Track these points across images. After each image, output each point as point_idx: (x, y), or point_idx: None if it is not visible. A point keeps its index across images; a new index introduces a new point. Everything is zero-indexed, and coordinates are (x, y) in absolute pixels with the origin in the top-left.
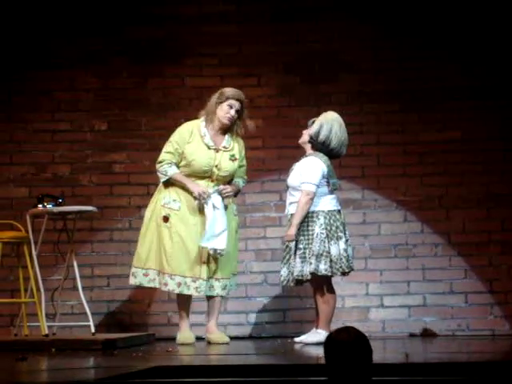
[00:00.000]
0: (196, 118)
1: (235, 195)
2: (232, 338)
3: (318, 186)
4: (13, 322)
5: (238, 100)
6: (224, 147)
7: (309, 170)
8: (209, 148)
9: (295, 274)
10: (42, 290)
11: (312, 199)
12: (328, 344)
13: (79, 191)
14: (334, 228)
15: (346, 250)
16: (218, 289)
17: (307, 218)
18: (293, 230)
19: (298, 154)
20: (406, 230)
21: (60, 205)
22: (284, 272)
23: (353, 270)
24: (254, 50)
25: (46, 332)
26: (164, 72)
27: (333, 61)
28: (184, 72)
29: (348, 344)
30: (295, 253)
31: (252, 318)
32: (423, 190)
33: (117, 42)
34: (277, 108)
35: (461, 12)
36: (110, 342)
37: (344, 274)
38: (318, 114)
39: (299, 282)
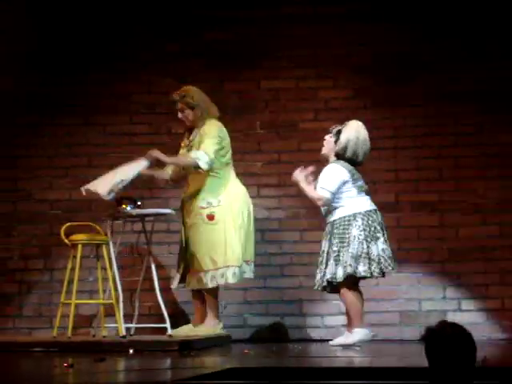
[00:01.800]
0: (271, 120)
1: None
2: (309, 341)
3: (334, 194)
4: (91, 323)
5: (174, 102)
6: (190, 141)
7: (326, 177)
8: (182, 148)
9: (327, 276)
10: (120, 291)
11: (322, 205)
12: (430, 338)
13: (157, 193)
14: (372, 229)
15: (384, 250)
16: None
17: (343, 222)
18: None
19: (374, 155)
20: (485, 233)
21: (138, 207)
22: (318, 276)
23: (393, 269)
24: (330, 52)
25: (124, 333)
26: (240, 75)
27: (409, 62)
28: (260, 75)
29: (451, 339)
30: (329, 256)
31: (328, 320)
32: (502, 192)
33: (194, 45)
34: (352, 110)
35: None
36: (186, 343)
37: (384, 274)
38: (393, 116)
39: (330, 284)
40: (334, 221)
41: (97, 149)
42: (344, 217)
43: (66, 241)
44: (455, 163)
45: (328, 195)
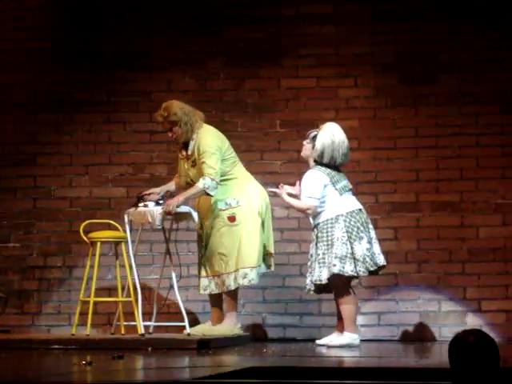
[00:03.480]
0: (292, 119)
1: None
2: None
3: (319, 199)
4: (110, 321)
5: (160, 122)
6: (189, 155)
7: (309, 185)
8: (181, 160)
9: (313, 278)
10: (138, 289)
11: (311, 213)
12: (454, 346)
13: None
14: (355, 229)
15: (369, 250)
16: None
17: (326, 225)
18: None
19: (394, 155)
20: (505, 234)
21: (158, 205)
22: (307, 279)
23: (380, 266)
24: (351, 51)
25: (143, 331)
26: (260, 73)
27: (431, 61)
28: (280, 73)
29: (474, 347)
30: (315, 259)
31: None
32: None
33: (214, 43)
34: (373, 109)
35: None
36: (205, 342)
37: (372, 273)
38: (414, 115)
39: (317, 287)
40: (318, 224)
41: (118, 147)
42: (327, 220)
43: (85, 238)
44: (476, 163)
45: (315, 202)
